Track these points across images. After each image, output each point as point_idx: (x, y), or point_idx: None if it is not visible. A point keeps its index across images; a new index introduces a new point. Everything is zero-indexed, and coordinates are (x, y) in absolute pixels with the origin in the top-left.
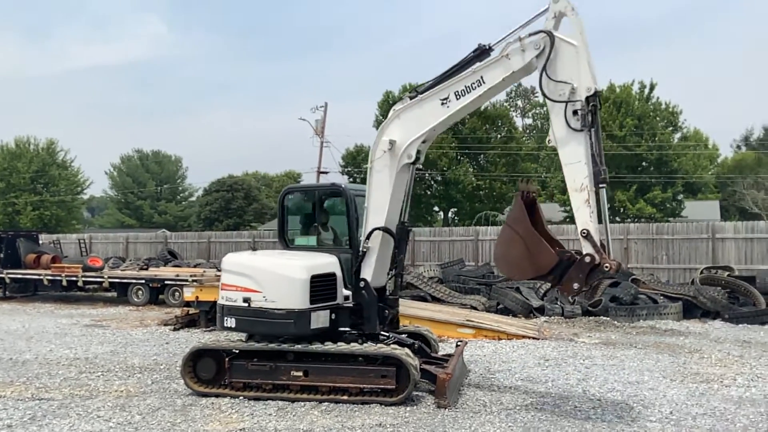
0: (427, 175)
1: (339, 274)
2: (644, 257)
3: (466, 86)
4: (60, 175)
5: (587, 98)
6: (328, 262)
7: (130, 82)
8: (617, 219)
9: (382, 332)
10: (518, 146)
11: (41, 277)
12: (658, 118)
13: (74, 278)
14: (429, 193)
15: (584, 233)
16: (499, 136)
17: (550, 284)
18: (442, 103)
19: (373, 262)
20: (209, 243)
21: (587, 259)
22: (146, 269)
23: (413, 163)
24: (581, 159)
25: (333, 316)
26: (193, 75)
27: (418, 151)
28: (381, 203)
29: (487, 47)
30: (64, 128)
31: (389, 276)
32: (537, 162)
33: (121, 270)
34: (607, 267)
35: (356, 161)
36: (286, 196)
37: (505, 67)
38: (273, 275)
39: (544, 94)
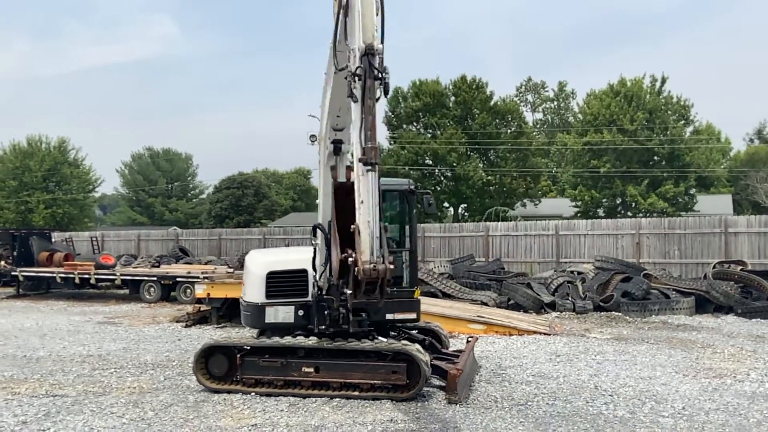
0: (437, 170)
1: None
2: (656, 252)
3: (330, 63)
4: (72, 174)
5: (362, 59)
6: (298, 259)
7: (140, 80)
8: (629, 214)
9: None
10: (528, 141)
11: (54, 274)
12: (669, 112)
13: (87, 276)
14: (439, 188)
15: (353, 229)
16: (509, 131)
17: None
18: (326, 84)
19: (317, 259)
20: (220, 240)
21: (349, 261)
22: (158, 266)
23: (336, 154)
24: (356, 138)
25: (301, 313)
26: (204, 73)
27: (339, 141)
28: (321, 200)
29: None
30: (75, 127)
31: (320, 273)
32: (548, 157)
33: (133, 267)
34: (356, 271)
35: None
36: None
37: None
38: (247, 271)
39: (335, 65)
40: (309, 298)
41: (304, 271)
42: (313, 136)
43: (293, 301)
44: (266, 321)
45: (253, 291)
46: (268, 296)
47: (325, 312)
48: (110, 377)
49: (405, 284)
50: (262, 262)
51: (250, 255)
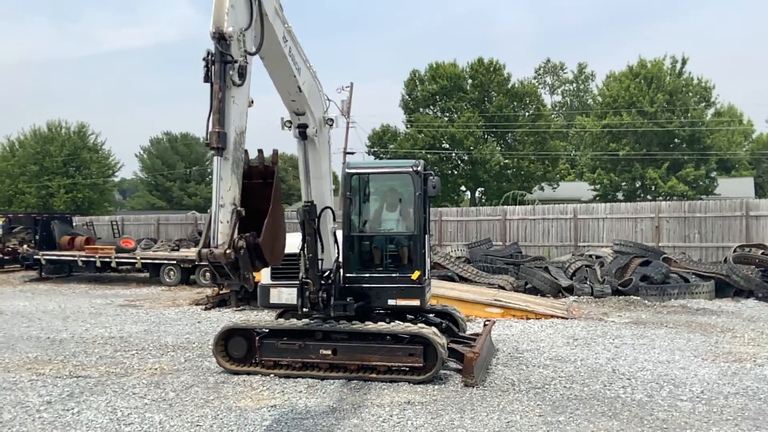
0: (454, 154)
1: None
2: (676, 236)
3: None
4: (91, 158)
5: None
6: (295, 242)
7: (159, 64)
8: (648, 197)
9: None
10: (547, 124)
11: (76, 258)
12: (690, 94)
13: (108, 259)
14: (456, 172)
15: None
16: (527, 114)
17: None
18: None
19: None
20: None
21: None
22: (177, 250)
23: (303, 139)
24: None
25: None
26: None
27: (304, 125)
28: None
29: None
30: (95, 111)
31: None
32: (566, 140)
33: (153, 251)
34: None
35: (382, 141)
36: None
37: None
38: None
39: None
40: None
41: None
42: (288, 121)
43: (294, 283)
44: (270, 301)
45: (264, 272)
46: (273, 278)
47: (306, 295)
48: (132, 359)
49: (406, 269)
50: None
51: None
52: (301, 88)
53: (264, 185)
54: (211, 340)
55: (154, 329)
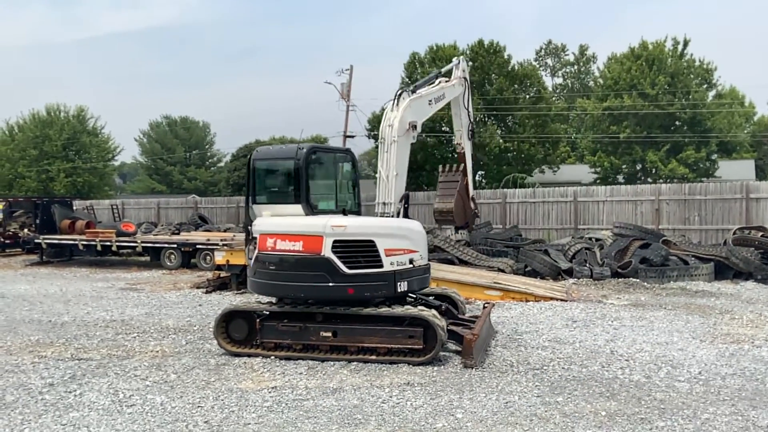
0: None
1: None
2: (676, 218)
3: (437, 96)
4: (91, 142)
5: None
6: None
7: (158, 48)
8: (649, 180)
9: (411, 294)
10: (547, 107)
11: (76, 242)
12: (691, 76)
13: (108, 243)
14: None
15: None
16: (527, 96)
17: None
18: (429, 103)
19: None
20: (238, 208)
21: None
22: (178, 234)
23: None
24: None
25: None
26: (220, 40)
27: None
28: (403, 172)
29: (441, 73)
30: (93, 95)
31: None
32: (567, 123)
33: (154, 235)
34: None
35: None
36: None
37: (452, 90)
38: (422, 235)
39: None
40: None
41: None
42: (413, 122)
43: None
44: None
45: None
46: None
47: None
48: (133, 341)
49: None
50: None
51: (397, 222)
52: None
53: None
54: (212, 322)
55: (155, 312)
